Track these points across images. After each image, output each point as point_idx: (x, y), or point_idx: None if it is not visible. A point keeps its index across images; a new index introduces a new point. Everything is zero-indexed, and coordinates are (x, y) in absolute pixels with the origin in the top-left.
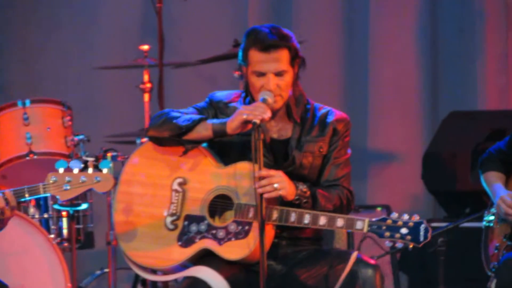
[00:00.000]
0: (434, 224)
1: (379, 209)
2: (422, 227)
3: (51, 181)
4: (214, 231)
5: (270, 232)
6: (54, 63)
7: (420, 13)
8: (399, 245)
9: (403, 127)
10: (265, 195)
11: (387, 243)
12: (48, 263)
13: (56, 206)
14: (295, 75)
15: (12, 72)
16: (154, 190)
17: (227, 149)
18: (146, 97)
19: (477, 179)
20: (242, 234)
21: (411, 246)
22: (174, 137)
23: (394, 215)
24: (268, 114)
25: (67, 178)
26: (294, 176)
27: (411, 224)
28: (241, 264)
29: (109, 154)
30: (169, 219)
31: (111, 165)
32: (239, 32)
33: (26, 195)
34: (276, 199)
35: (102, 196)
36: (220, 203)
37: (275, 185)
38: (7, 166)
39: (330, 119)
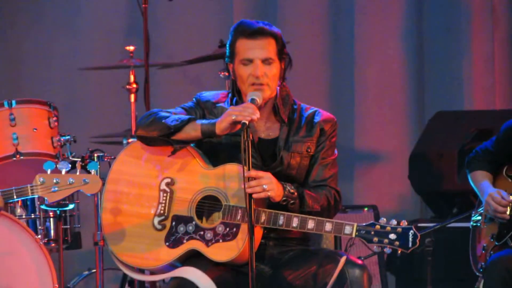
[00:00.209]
0: (421, 224)
1: (366, 209)
2: (411, 233)
3: (39, 183)
4: (201, 232)
5: (258, 234)
6: (40, 64)
7: (406, 13)
8: (388, 250)
9: (390, 127)
10: (254, 195)
11: (376, 248)
12: (35, 264)
13: (43, 207)
14: (282, 71)
15: None
16: (142, 189)
17: (215, 149)
18: (132, 97)
19: (464, 179)
20: (230, 236)
21: (399, 251)
22: (162, 137)
23: (383, 220)
24: (257, 115)
25: (55, 180)
26: (282, 176)
27: (399, 230)
28: (229, 265)
29: (95, 155)
30: (156, 219)
31: (98, 166)
32: (224, 33)
33: (14, 197)
34: (264, 201)
35: (89, 196)
36: (207, 204)
37: (264, 186)
38: None
39: (317, 119)
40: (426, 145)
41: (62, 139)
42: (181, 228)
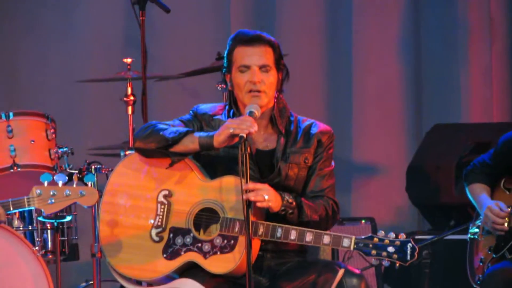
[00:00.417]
0: (419, 237)
1: (363, 221)
2: (409, 246)
3: (35, 195)
4: (199, 244)
5: (255, 246)
6: (37, 76)
7: (404, 25)
8: (386, 263)
9: (387, 139)
10: (257, 204)
11: (374, 261)
12: (32, 275)
13: (40, 218)
14: (279, 81)
15: None
16: (140, 201)
17: (213, 162)
18: (130, 109)
19: (462, 191)
20: (227, 248)
21: (397, 264)
22: (160, 149)
23: (381, 233)
24: (255, 128)
25: (51, 192)
26: (280, 187)
27: (398, 242)
28: (227, 277)
29: (93, 167)
30: (154, 231)
31: (95, 178)
32: (222, 46)
33: (11, 208)
34: (262, 213)
35: (87, 208)
36: (205, 217)
37: (265, 196)
38: None
39: (314, 131)
40: (423, 158)
41: (59, 151)
42: (179, 240)
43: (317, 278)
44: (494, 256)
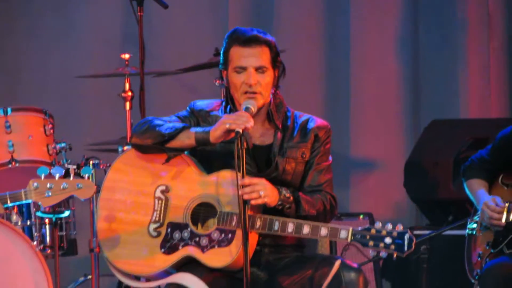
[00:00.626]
0: (417, 232)
1: (361, 217)
2: (406, 236)
3: (32, 188)
4: (197, 239)
5: (253, 240)
6: (35, 72)
7: (402, 21)
8: (383, 254)
9: (385, 135)
10: (252, 202)
11: (371, 252)
12: (31, 270)
13: (38, 213)
14: (276, 79)
15: None
16: (137, 197)
17: (210, 157)
18: (128, 105)
19: (460, 187)
20: (225, 242)
21: (395, 255)
22: (156, 145)
23: (378, 224)
24: (251, 123)
25: (48, 185)
26: (278, 182)
27: (395, 234)
28: (224, 272)
29: (91, 162)
30: (152, 226)
31: (92, 171)
32: (219, 41)
33: (8, 202)
34: (259, 206)
35: (85, 203)
36: (202, 211)
37: (260, 193)
38: None
39: (311, 125)
40: (421, 153)
41: (57, 146)
42: (177, 235)
43: (314, 273)
44: (492, 251)
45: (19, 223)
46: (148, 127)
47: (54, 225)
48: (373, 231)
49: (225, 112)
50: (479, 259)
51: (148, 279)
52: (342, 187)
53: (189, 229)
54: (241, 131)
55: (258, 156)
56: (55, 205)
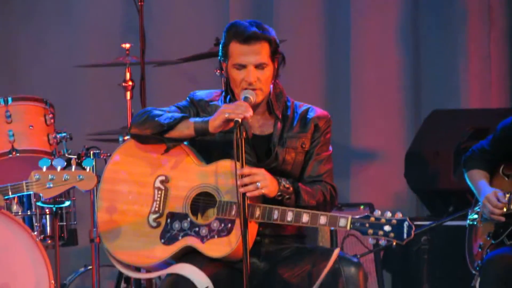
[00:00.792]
0: (418, 223)
1: (362, 207)
2: (405, 224)
3: (34, 179)
4: (197, 229)
5: (253, 229)
6: (36, 61)
7: (403, 11)
8: (383, 242)
9: (386, 125)
10: (248, 194)
11: (370, 240)
12: (31, 261)
13: (39, 204)
14: (275, 70)
15: None
16: (137, 188)
17: (209, 147)
18: (128, 95)
19: (460, 177)
20: (224, 231)
21: (394, 243)
22: (156, 135)
23: (377, 212)
24: (250, 113)
25: (50, 176)
26: (277, 172)
27: (394, 221)
28: (224, 262)
29: (91, 152)
30: (151, 217)
31: (93, 163)
32: (220, 31)
33: (10, 193)
34: (258, 196)
35: (85, 193)
36: (202, 201)
37: (258, 184)
38: None
39: (311, 115)
40: (422, 144)
41: (58, 136)
42: (176, 225)
43: (313, 268)
44: (493, 242)
45: (20, 213)
46: (147, 118)
47: (54, 215)
48: (372, 219)
49: (225, 102)
50: (480, 250)
51: (148, 270)
52: (343, 177)
53: (188, 219)
54: (240, 120)
55: (257, 146)
56: (56, 196)
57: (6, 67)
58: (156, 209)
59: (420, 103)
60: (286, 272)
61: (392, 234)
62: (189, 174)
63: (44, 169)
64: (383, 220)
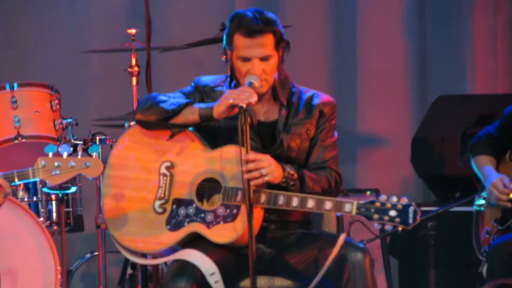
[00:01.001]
0: (424, 208)
1: (368, 193)
2: (411, 209)
3: (40, 166)
4: (202, 215)
5: (258, 215)
6: (42, 47)
7: None
8: (388, 227)
9: (392, 111)
10: (252, 182)
11: (376, 226)
12: (37, 247)
13: (45, 190)
14: (280, 58)
15: None
16: (142, 174)
17: (214, 133)
18: (134, 80)
19: (467, 163)
20: (230, 217)
21: (400, 228)
22: (160, 121)
23: (383, 197)
24: (254, 98)
25: (56, 163)
26: (282, 158)
27: (399, 206)
28: (230, 248)
29: (97, 138)
30: (157, 203)
31: (100, 149)
32: (226, 16)
33: (16, 180)
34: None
35: (91, 179)
36: (208, 187)
37: (262, 171)
38: None
39: (316, 101)
40: (428, 129)
41: (64, 122)
42: (182, 211)
43: (319, 254)
44: (500, 228)
45: (26, 199)
46: (152, 104)
47: (60, 201)
48: (377, 204)
49: (230, 88)
50: (487, 236)
51: (154, 256)
52: (349, 163)
53: (194, 205)
54: (244, 106)
55: (262, 133)
56: (62, 183)
57: (12, 53)
58: (162, 195)
59: (426, 88)
60: (292, 258)
61: (397, 219)
62: (194, 160)
63: (50, 155)
64: (388, 205)
